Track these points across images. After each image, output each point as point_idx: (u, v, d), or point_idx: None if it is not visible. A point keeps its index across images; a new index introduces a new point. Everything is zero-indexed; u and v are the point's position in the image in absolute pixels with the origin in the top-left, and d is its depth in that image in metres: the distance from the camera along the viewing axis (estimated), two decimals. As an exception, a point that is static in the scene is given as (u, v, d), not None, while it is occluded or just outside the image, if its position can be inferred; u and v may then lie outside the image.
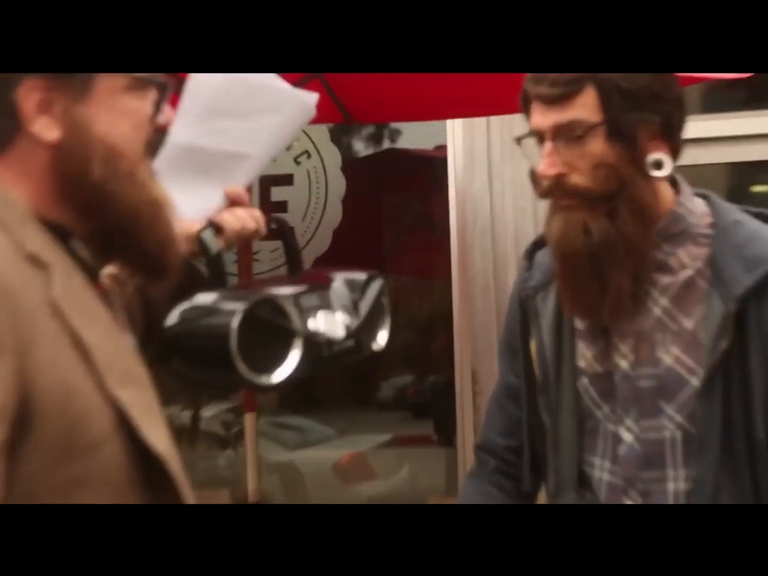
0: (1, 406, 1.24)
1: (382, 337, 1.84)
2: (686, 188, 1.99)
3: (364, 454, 5.54)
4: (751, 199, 4.60)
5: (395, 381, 5.81)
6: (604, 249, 1.88)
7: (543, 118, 1.91)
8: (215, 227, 1.77)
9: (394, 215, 5.29)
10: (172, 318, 1.62)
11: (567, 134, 1.89)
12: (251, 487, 3.82)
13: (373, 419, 5.70)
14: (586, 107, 1.88)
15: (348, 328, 1.71)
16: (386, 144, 5.34)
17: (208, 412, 5.57)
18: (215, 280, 1.73)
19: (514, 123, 4.33)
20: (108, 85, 1.43)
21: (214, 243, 1.74)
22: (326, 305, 1.70)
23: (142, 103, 1.48)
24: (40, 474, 1.29)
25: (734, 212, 1.98)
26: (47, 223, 1.42)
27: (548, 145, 1.90)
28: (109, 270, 1.71)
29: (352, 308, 1.76)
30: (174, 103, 1.77)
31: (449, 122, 4.60)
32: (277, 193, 4.87)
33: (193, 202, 1.78)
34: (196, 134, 1.77)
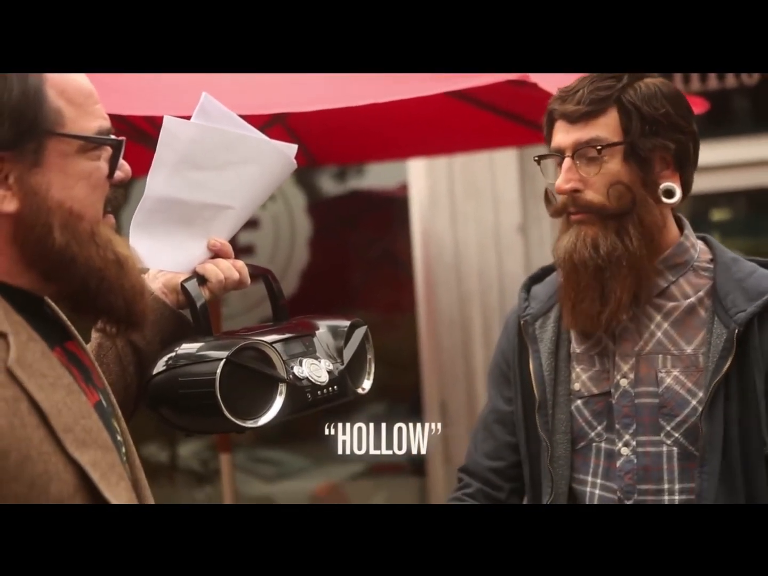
0: None
1: (366, 383, 1.86)
2: (688, 226, 2.08)
3: (340, 484, 5.51)
4: (711, 227, 4.64)
5: (368, 410, 5.81)
6: (609, 263, 1.95)
7: (565, 135, 1.98)
8: (200, 278, 1.77)
9: (361, 254, 5.28)
10: (158, 367, 1.64)
11: (586, 152, 1.95)
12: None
13: (347, 449, 5.68)
14: (607, 127, 1.95)
15: (332, 373, 1.73)
16: (351, 182, 5.33)
17: (184, 450, 5.53)
18: (200, 328, 1.72)
19: (476, 162, 4.37)
20: (59, 150, 1.41)
21: (198, 293, 1.74)
22: (311, 352, 1.73)
23: (96, 164, 1.46)
24: None
25: (731, 252, 2.08)
26: (16, 291, 1.42)
27: (567, 161, 1.97)
28: (98, 326, 1.70)
29: (336, 355, 1.78)
30: (142, 158, 1.76)
31: (411, 162, 4.64)
32: (244, 237, 4.88)
33: (176, 253, 1.78)
34: (173, 186, 1.73)
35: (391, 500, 5.31)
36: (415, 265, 4.65)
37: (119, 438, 1.53)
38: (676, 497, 1.98)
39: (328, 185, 5.31)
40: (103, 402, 1.52)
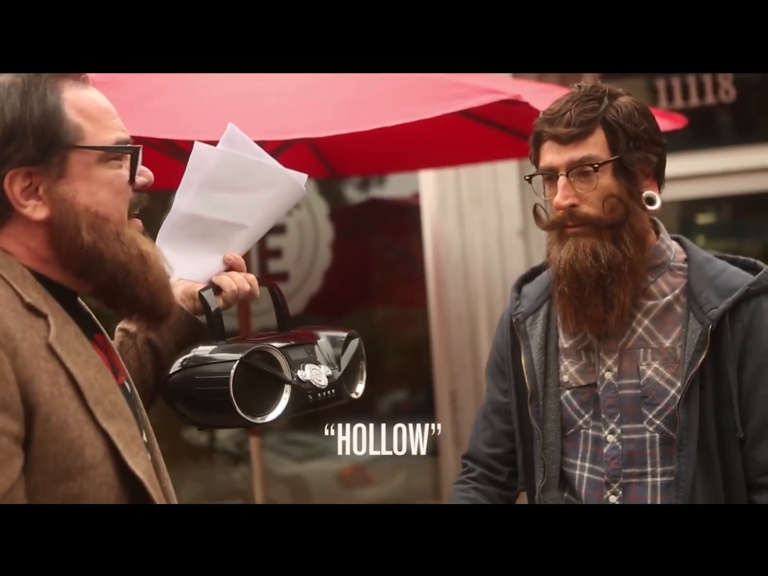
0: (13, 407, 1.29)
1: (359, 387, 1.87)
2: (664, 229, 2.06)
3: (364, 464, 5.53)
4: (697, 230, 4.61)
5: (389, 397, 5.83)
6: (610, 270, 1.93)
7: (557, 155, 1.95)
8: (215, 288, 1.78)
9: (378, 255, 5.29)
10: (175, 366, 1.66)
11: (579, 170, 1.93)
12: (258, 499, 3.84)
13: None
14: (596, 146, 1.93)
15: (330, 378, 1.75)
16: (369, 192, 5.34)
17: (222, 433, 5.55)
18: (215, 333, 1.73)
19: (481, 173, 4.37)
20: (82, 161, 1.45)
21: (214, 301, 1.75)
22: (312, 358, 1.75)
23: (117, 172, 1.49)
24: (42, 490, 1.32)
25: (703, 252, 2.05)
26: (54, 283, 1.45)
27: (562, 179, 1.94)
28: (120, 325, 1.75)
29: (335, 362, 1.80)
30: (177, 171, 1.78)
31: (423, 173, 4.64)
32: (273, 242, 4.87)
33: (195, 265, 1.80)
34: (197, 204, 1.76)
35: (409, 478, 5.32)
36: (427, 265, 4.65)
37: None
38: (659, 479, 1.97)
39: (348, 194, 5.32)
40: (127, 386, 1.56)
